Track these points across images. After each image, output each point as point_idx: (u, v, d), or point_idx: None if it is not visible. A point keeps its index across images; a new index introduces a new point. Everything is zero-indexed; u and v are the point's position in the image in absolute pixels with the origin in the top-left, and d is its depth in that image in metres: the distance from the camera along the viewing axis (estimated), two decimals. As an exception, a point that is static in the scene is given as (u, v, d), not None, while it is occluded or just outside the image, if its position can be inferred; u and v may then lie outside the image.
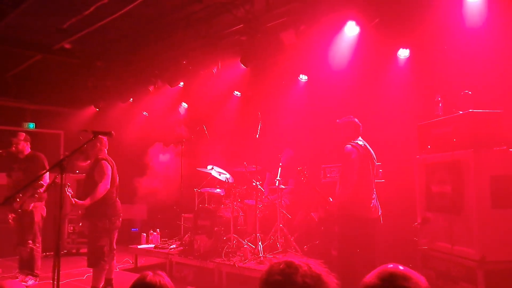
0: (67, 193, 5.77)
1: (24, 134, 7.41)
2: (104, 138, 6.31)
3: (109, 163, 6.20)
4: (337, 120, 5.56)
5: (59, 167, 4.09)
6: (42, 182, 6.90)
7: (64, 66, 10.74)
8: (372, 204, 5.18)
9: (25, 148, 7.31)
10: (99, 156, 6.23)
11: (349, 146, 5.28)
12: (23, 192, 6.84)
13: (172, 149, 9.41)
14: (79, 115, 11.95)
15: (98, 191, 5.96)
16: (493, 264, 4.31)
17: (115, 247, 6.29)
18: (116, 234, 6.24)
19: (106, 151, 6.38)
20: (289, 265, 1.82)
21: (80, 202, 5.92)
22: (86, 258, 6.22)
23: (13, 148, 7.20)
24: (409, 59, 6.99)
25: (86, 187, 6.16)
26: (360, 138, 5.43)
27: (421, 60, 6.77)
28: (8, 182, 7.32)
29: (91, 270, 6.12)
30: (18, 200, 6.91)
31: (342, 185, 5.23)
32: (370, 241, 5.15)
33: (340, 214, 5.26)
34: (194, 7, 7.84)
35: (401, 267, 1.68)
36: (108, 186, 6.06)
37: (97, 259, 5.91)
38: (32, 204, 6.96)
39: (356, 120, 5.48)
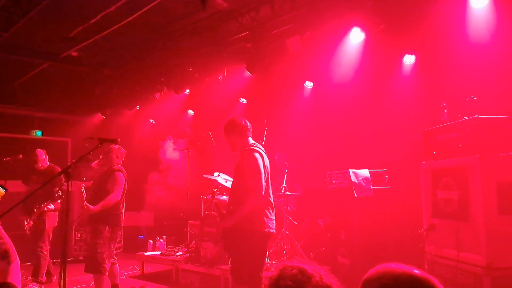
0: (83, 194, 5.90)
1: (43, 150, 7.60)
2: (122, 150, 6.42)
3: (123, 175, 6.27)
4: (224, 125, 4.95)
5: (65, 174, 4.11)
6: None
7: (71, 74, 10.82)
8: (272, 216, 4.68)
9: (45, 160, 7.47)
10: (115, 167, 6.30)
11: (255, 152, 4.65)
12: (39, 203, 7.03)
13: (180, 148, 9.44)
14: (86, 122, 12.03)
15: (110, 200, 6.00)
16: (500, 271, 4.27)
17: (114, 254, 6.33)
18: (115, 244, 6.28)
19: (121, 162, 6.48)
20: (302, 272, 1.78)
21: (91, 207, 5.96)
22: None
23: (39, 165, 7.44)
24: (414, 65, 6.98)
25: (96, 194, 6.19)
26: (251, 139, 4.84)
27: (427, 66, 6.76)
28: (26, 190, 7.43)
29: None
30: (35, 210, 7.05)
31: (245, 196, 4.51)
32: (264, 257, 4.90)
33: (243, 229, 4.52)
34: (199, 15, 7.88)
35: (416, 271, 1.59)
36: (119, 198, 6.13)
37: (95, 265, 5.91)
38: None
39: (246, 121, 4.87)
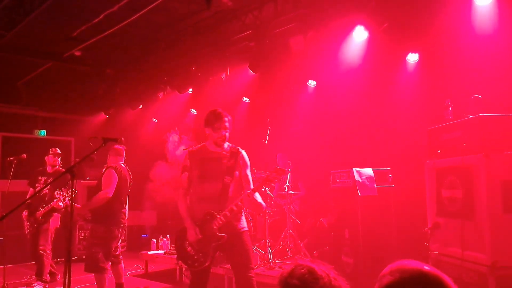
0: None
1: (59, 150, 7.69)
2: (120, 148, 6.38)
3: (116, 172, 6.15)
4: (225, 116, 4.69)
5: (69, 173, 4.11)
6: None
7: (74, 74, 10.83)
8: None
9: (57, 163, 7.52)
10: (110, 165, 6.25)
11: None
12: (45, 203, 7.13)
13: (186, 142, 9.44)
14: (89, 122, 12.05)
15: (98, 198, 5.94)
16: (505, 270, 4.26)
17: (118, 253, 6.33)
18: (117, 243, 6.23)
19: (123, 160, 6.44)
20: (311, 272, 1.78)
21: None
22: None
23: (49, 161, 7.56)
24: (418, 63, 6.96)
25: (95, 193, 6.19)
26: None
27: (431, 64, 6.74)
28: (31, 192, 7.47)
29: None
30: (40, 209, 7.11)
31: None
32: None
33: (245, 230, 4.64)
34: (202, 14, 7.87)
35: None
36: (109, 195, 5.97)
37: (91, 264, 5.89)
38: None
39: None
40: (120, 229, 6.23)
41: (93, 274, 6.01)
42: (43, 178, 7.42)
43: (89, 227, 6.25)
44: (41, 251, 7.10)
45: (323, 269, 1.80)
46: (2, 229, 7.86)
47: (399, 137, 6.92)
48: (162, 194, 9.54)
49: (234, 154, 4.67)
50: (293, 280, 1.78)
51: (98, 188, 6.20)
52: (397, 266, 1.59)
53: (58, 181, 6.98)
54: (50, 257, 7.23)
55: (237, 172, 4.63)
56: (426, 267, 1.56)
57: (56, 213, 7.30)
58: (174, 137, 9.63)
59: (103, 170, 6.32)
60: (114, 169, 6.16)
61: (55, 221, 7.33)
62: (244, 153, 4.75)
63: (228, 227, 4.45)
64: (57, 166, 7.58)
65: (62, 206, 7.10)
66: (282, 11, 7.30)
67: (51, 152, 7.56)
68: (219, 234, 4.41)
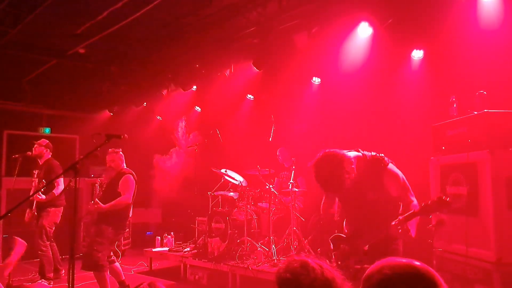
0: (96, 190, 5.97)
1: (47, 141, 7.67)
2: (121, 152, 6.45)
3: (134, 178, 6.31)
4: None
5: (73, 170, 4.11)
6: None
7: (79, 71, 10.84)
8: None
9: (44, 154, 7.48)
10: (124, 170, 6.35)
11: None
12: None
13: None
14: (94, 119, 12.06)
15: (121, 202, 6.06)
16: (510, 266, 4.24)
17: (112, 255, 6.36)
18: (114, 247, 6.36)
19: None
20: (303, 265, 1.83)
21: (101, 205, 5.98)
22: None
23: (31, 153, 7.46)
24: (423, 60, 6.92)
25: (106, 197, 6.21)
26: None
27: (435, 61, 6.70)
28: (32, 187, 7.49)
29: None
30: (35, 202, 7.11)
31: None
32: None
33: None
34: (206, 11, 7.85)
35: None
36: (130, 201, 6.17)
37: (91, 263, 5.92)
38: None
39: None
40: (124, 233, 6.34)
41: (92, 272, 6.03)
42: (36, 171, 7.41)
43: (93, 229, 6.25)
44: (39, 251, 7.12)
45: (317, 262, 1.83)
46: (7, 226, 7.88)
47: (403, 133, 6.89)
48: (166, 191, 9.58)
49: (374, 163, 3.88)
50: (286, 274, 1.84)
51: (109, 192, 6.23)
52: (386, 263, 1.59)
53: (46, 174, 7.03)
54: (49, 254, 7.20)
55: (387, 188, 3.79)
56: (416, 263, 1.58)
57: (50, 208, 7.25)
58: (182, 125, 9.69)
59: (115, 175, 6.33)
60: (132, 175, 6.30)
61: (49, 217, 7.27)
62: (388, 163, 3.88)
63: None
64: (46, 157, 7.53)
65: (43, 197, 7.07)
66: (286, 8, 7.26)
67: (35, 144, 7.53)
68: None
